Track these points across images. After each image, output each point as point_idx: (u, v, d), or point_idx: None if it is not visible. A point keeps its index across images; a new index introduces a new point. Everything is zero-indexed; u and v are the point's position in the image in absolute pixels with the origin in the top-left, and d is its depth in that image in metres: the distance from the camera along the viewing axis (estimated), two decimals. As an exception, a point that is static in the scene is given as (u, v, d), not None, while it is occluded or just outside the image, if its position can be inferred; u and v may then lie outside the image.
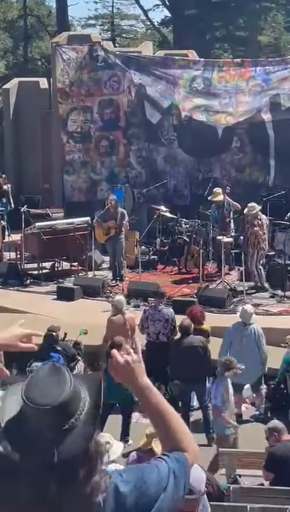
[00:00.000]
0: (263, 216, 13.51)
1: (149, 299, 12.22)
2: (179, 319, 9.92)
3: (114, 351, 2.31)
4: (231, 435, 8.01)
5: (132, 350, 2.33)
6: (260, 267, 13.44)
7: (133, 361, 2.31)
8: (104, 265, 15.30)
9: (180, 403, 9.48)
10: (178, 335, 9.65)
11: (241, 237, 13.87)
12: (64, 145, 18.15)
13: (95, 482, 1.99)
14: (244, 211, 13.49)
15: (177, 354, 9.29)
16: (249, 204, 13.43)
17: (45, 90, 19.71)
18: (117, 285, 14.08)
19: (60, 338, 9.57)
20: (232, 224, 14.42)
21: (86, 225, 14.75)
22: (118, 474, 2.11)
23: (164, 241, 15.66)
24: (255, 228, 13.16)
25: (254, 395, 9.94)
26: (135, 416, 9.80)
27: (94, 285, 13.67)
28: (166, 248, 15.37)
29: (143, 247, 15.24)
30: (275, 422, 6.83)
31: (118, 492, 2.05)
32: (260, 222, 13.28)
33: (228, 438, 7.97)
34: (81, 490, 1.96)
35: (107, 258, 15.13)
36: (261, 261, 13.47)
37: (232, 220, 14.39)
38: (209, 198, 14.57)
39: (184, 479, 2.19)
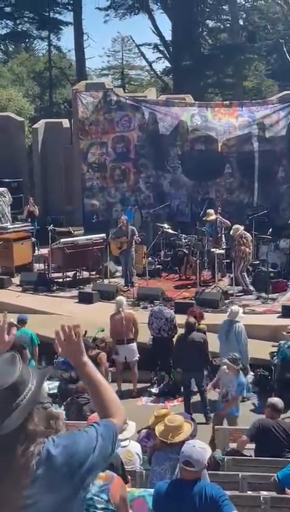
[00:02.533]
0: (247, 234, 13.38)
1: (155, 301, 12.19)
2: (183, 318, 9.74)
3: (58, 332, 2.38)
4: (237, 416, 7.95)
5: (74, 335, 2.38)
6: (244, 273, 13.29)
7: (71, 342, 2.36)
8: (118, 274, 15.14)
9: (182, 388, 9.40)
10: (182, 331, 9.54)
11: (230, 251, 13.75)
12: (85, 174, 18.06)
13: (30, 451, 2.02)
14: (231, 232, 13.39)
15: (181, 347, 9.16)
16: (233, 227, 13.39)
17: (67, 129, 19.49)
18: (128, 290, 13.94)
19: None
20: (223, 239, 14.24)
21: (102, 240, 14.66)
22: (51, 440, 2.11)
23: (167, 253, 15.60)
24: (242, 247, 13.07)
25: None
26: (144, 399, 9.75)
27: (109, 291, 13.53)
28: (169, 259, 15.28)
29: (150, 258, 15.12)
30: (275, 399, 6.31)
31: (49, 454, 2.06)
32: (245, 240, 13.18)
33: (236, 419, 7.87)
34: (17, 459, 1.99)
35: (120, 268, 14.96)
36: (245, 270, 13.31)
37: (223, 235, 14.20)
38: (203, 218, 14.47)
39: (111, 439, 2.21)
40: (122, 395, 9.18)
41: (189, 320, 9.26)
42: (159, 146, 17.20)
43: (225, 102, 18.02)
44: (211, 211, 14.27)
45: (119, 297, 10.47)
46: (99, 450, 2.16)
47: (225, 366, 7.92)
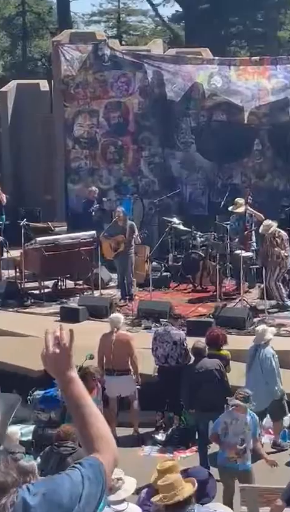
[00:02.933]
0: (282, 232, 13.48)
1: (161, 320, 12.13)
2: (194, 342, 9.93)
3: (48, 339, 2.51)
4: (251, 469, 8.02)
5: (65, 341, 2.51)
6: (279, 283, 13.39)
7: (61, 352, 2.48)
8: (112, 284, 15.23)
9: (196, 434, 9.44)
10: (191, 359, 9.66)
11: (255, 252, 13.87)
12: (70, 151, 18.21)
13: (1, 504, 2.08)
14: (260, 230, 13.57)
15: (191, 379, 9.27)
16: (264, 222, 13.53)
17: (46, 93, 19.70)
18: (126, 305, 14.04)
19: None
20: (253, 237, 14.37)
21: (91, 240, 14.73)
22: (26, 488, 2.18)
23: (177, 256, 15.55)
24: (275, 248, 13.17)
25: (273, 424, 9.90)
26: (147, 449, 9.78)
27: (101, 306, 13.61)
28: (179, 264, 15.26)
29: (154, 263, 15.15)
30: None
31: (26, 505, 2.12)
32: (278, 240, 13.28)
33: (249, 474, 7.93)
34: None
35: (115, 276, 15.05)
36: (280, 279, 13.44)
37: (253, 233, 14.34)
38: (230, 208, 14.51)
39: (101, 483, 2.27)
40: (119, 442, 9.04)
41: (197, 345, 9.43)
42: (167, 116, 17.34)
43: (253, 58, 17.88)
44: (241, 200, 14.39)
45: (115, 314, 10.65)
46: (86, 499, 2.20)
47: (232, 407, 8.02)
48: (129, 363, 9.91)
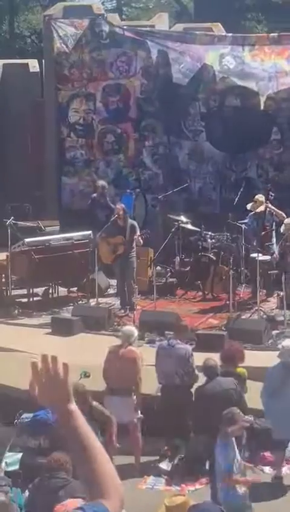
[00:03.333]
0: None
1: (167, 332, 12.24)
2: (204, 358, 9.90)
3: (36, 365, 2.48)
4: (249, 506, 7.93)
5: (61, 375, 2.49)
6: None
7: (55, 379, 2.45)
8: (111, 291, 15.25)
9: (207, 464, 9.34)
10: (202, 379, 9.61)
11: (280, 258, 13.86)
12: (65, 140, 18.12)
13: None
14: (281, 229, 13.58)
15: (203, 401, 9.26)
16: (286, 221, 13.60)
17: (36, 74, 19.73)
18: (127, 315, 14.03)
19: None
20: (274, 239, 14.34)
21: (87, 241, 14.74)
22: None
23: (185, 260, 15.47)
24: None
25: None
26: (150, 480, 9.77)
27: (98, 316, 13.60)
28: (187, 269, 15.20)
29: (159, 267, 15.13)
30: None
31: None
32: None
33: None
34: None
35: (114, 282, 15.07)
36: None
37: (274, 233, 14.34)
38: (249, 207, 14.54)
39: None
40: (118, 473, 9.17)
41: (208, 363, 9.46)
42: (173, 100, 17.22)
43: (271, 34, 17.86)
44: (261, 197, 14.46)
45: (128, 327, 10.75)
46: None
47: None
48: (135, 380, 9.92)
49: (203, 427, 9.35)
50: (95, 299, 14.43)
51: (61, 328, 13.18)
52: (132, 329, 10.58)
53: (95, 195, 16.26)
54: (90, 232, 14.83)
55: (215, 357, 9.77)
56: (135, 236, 14.15)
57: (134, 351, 10.12)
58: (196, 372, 9.91)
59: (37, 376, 2.49)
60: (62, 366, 2.54)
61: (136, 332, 10.54)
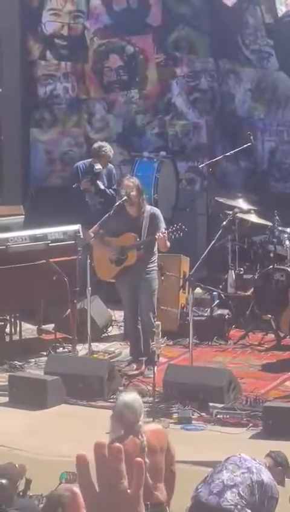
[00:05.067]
0: None
1: (212, 405, 10.08)
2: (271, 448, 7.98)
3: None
4: None
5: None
6: None
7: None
8: (114, 330, 12.64)
9: None
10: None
11: None
12: (36, 65, 15.05)
13: None
14: None
15: None
16: None
17: None
18: (141, 374, 11.31)
19: (18, 491, 7.64)
20: None
21: (74, 243, 11.90)
22: None
23: (246, 276, 12.84)
24: None
25: None
26: None
27: (91, 375, 10.86)
28: (249, 292, 12.75)
29: (199, 289, 12.43)
30: None
31: None
32: None
33: None
34: None
35: (120, 314, 12.45)
36: None
37: None
38: None
39: None
40: None
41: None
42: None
43: None
44: None
45: (131, 395, 7.69)
46: None
47: None
48: (167, 486, 7.42)
49: None
50: (87, 345, 11.63)
51: (27, 395, 10.65)
52: (136, 397, 7.45)
53: (86, 161, 13.19)
54: (78, 226, 11.92)
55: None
56: (158, 235, 11.14)
57: (164, 432, 7.50)
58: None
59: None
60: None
61: (140, 404, 7.48)
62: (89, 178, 12.97)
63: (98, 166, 13.10)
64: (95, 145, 13.38)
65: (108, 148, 13.27)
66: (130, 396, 7.27)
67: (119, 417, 7.05)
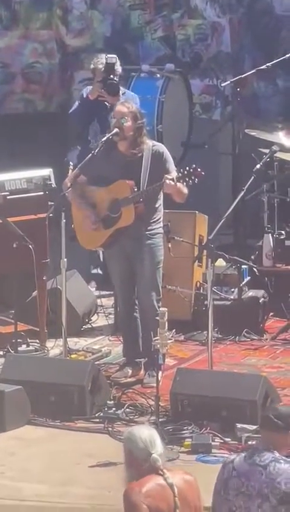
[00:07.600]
0: None
1: (239, 426, 8.58)
2: None
3: None
4: None
5: None
6: None
7: None
8: (101, 320, 10.95)
9: None
10: None
11: None
12: None
13: None
14: None
15: None
16: None
17: None
18: (140, 383, 9.89)
19: None
20: None
21: (41, 194, 10.43)
22: None
23: (287, 242, 11.30)
24: None
25: None
26: None
27: (65, 384, 9.43)
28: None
29: (222, 261, 10.75)
30: None
31: None
32: None
33: None
34: None
35: (109, 301, 11.07)
36: None
37: None
38: None
39: None
40: None
41: None
42: None
43: None
44: None
45: (147, 432, 5.94)
46: None
47: None
48: None
49: None
50: (61, 341, 9.96)
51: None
52: (155, 434, 5.62)
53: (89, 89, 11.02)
54: (48, 171, 10.48)
55: None
56: (166, 180, 9.31)
57: (192, 482, 5.90)
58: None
59: None
60: None
61: (159, 441, 5.58)
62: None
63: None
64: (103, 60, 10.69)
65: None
66: (150, 432, 5.61)
67: (129, 449, 5.49)
